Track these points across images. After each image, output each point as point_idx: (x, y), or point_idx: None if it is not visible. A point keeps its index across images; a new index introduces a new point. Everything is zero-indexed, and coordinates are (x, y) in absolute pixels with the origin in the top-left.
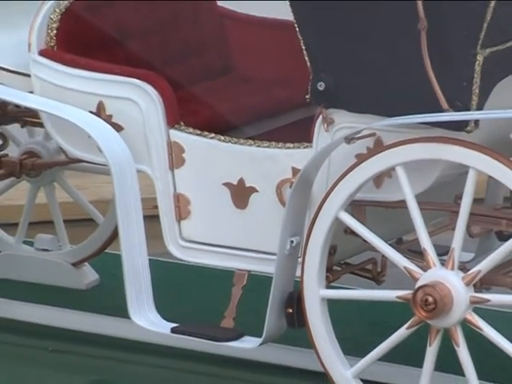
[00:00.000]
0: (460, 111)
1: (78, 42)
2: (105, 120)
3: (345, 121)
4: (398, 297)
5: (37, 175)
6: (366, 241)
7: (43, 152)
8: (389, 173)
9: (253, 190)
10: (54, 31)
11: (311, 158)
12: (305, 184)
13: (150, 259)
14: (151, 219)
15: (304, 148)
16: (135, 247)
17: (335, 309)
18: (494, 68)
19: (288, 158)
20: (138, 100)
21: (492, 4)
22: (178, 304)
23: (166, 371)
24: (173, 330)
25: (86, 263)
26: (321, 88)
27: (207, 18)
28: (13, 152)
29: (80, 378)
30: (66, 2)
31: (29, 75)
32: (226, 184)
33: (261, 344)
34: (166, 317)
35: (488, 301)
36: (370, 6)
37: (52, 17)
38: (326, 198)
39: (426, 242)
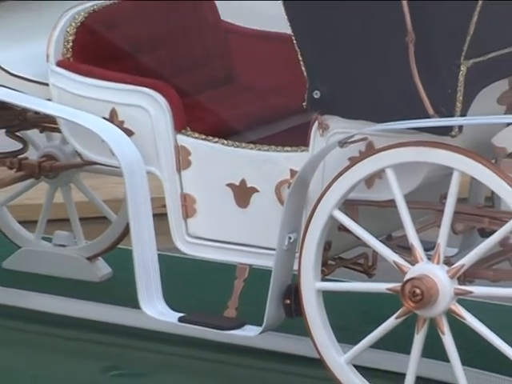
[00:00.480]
0: (445, 117)
1: (92, 53)
2: (117, 126)
3: (339, 126)
4: (387, 289)
5: (54, 176)
6: (358, 237)
7: (60, 155)
8: (379, 174)
9: (254, 190)
10: (71, 43)
11: (307, 161)
12: (302, 185)
13: (158, 254)
14: (160, 217)
15: (301, 151)
16: (145, 243)
17: (330, 300)
18: (476, 77)
19: (286, 161)
20: (148, 107)
21: (475, 18)
22: (184, 295)
23: (173, 358)
24: (180, 320)
25: (100, 257)
26: (316, 96)
27: (212, 32)
28: (32, 155)
29: (93, 363)
30: (81, 16)
31: (47, 84)
32: (229, 184)
33: (261, 332)
34: (174, 307)
35: (471, 292)
36: (362, 21)
37: (68, 30)
38: (322, 198)
39: (413, 238)
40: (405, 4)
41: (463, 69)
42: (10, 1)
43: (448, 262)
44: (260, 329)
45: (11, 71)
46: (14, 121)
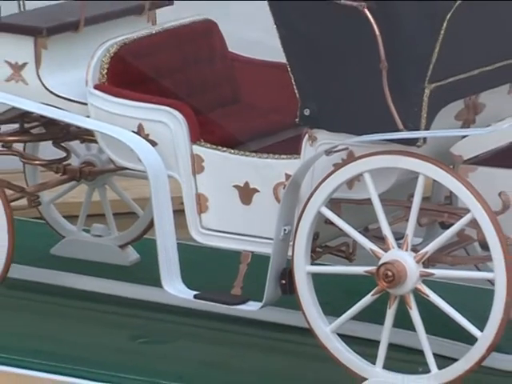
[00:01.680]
0: (412, 131)
1: (123, 78)
2: (143, 138)
3: (325, 138)
4: (365, 271)
5: (92, 179)
6: (341, 229)
7: (97, 162)
8: (358, 177)
9: (255, 190)
10: (105, 70)
11: (299, 167)
12: (295, 186)
13: (177, 243)
14: (178, 213)
15: (294, 159)
16: (166, 234)
17: (318, 280)
18: (438, 98)
19: (282, 166)
20: (169, 122)
21: (436, 49)
22: (198, 276)
23: (189, 327)
24: (195, 296)
25: (130, 246)
26: (307, 113)
27: (221, 60)
28: (74, 162)
29: (124, 332)
30: (114, 48)
31: (86, 104)
32: (235, 186)
33: (261, 307)
34: (190, 286)
35: (433, 274)
36: (344, 53)
37: (104, 60)
38: (311, 197)
39: (386, 230)
40: (378, 37)
41: (427, 91)
42: (58, 34)
43: (415, 249)
44: (260, 304)
45: (58, 93)
46: (60, 134)
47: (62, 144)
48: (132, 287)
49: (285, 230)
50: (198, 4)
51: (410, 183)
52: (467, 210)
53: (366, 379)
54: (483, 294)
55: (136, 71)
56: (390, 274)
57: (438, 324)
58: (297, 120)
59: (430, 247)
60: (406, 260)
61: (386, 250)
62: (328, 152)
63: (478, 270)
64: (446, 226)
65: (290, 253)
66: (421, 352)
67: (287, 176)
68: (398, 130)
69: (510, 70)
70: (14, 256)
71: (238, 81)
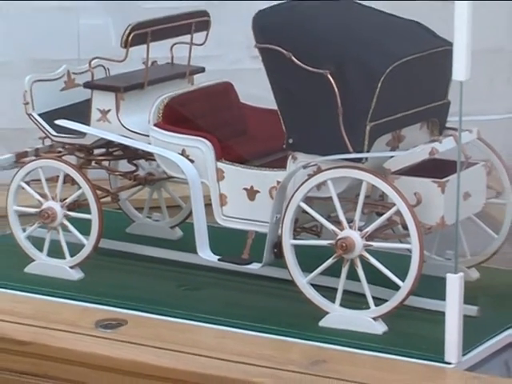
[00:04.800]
0: (358, 153)
1: (172, 119)
2: (185, 157)
3: (303, 157)
4: (328, 243)
5: (153, 184)
6: (312, 216)
7: (156, 173)
8: (324, 183)
9: (257, 191)
10: (161, 114)
11: (286, 176)
12: (283, 189)
13: (207, 225)
14: (208, 206)
15: (282, 171)
16: (200, 219)
17: (298, 249)
18: (375, 132)
19: (275, 176)
20: (202, 147)
21: (374, 100)
22: (220, 247)
23: (215, 280)
24: (219, 260)
25: (177, 227)
26: (291, 142)
27: (235, 108)
28: (141, 173)
29: (172, 282)
30: (166, 99)
31: (148, 136)
32: (244, 188)
33: (261, 267)
34: (215, 253)
35: (372, 245)
36: (313, 101)
37: (160, 107)
38: (293, 195)
39: (341, 217)
40: (336, 93)
41: (368, 128)
42: (131, 91)
43: (360, 229)
44: (260, 264)
45: (131, 129)
46: (132, 155)
47: (133, 161)
48: (178, 253)
49: (276, 216)
50: (220, 72)
51: (357, 186)
52: (394, 204)
53: (328, 312)
54: (404, 258)
55: (181, 115)
56: (344, 245)
57: (375, 277)
58: (284, 146)
59: (370, 228)
60: (355, 236)
61: (341, 229)
62: (304, 167)
63: (401, 242)
64: (380, 214)
65: (279, 231)
66: (364, 295)
67: (278, 182)
68: (349, 152)
69: (420, 115)
70: (102, 233)
71: (246, 121)
